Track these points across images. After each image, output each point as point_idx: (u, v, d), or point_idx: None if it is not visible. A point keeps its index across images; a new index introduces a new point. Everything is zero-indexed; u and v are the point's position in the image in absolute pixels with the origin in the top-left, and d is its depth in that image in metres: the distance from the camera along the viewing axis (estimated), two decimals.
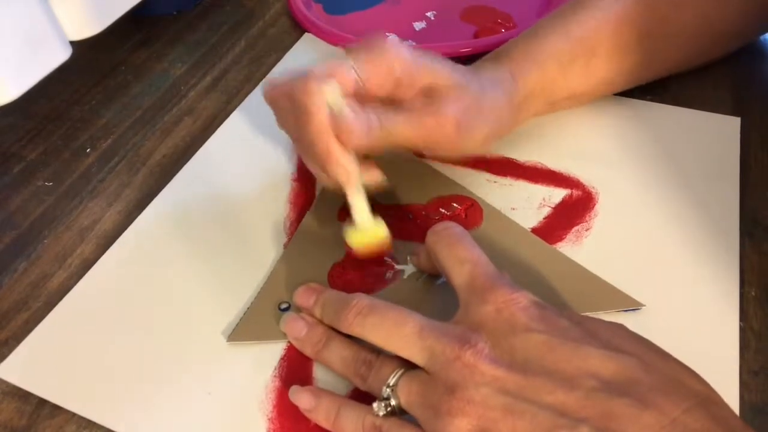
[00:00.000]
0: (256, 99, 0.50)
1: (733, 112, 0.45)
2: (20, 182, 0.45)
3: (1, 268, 0.40)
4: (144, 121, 0.49)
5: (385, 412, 0.29)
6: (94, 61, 0.55)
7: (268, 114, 0.48)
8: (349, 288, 0.36)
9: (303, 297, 0.34)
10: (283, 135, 0.46)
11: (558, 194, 0.41)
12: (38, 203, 0.44)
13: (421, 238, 0.34)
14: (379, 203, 0.39)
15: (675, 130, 0.44)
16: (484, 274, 0.30)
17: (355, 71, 0.35)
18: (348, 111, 0.33)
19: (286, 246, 0.39)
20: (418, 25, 0.55)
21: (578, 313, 0.30)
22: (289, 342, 0.34)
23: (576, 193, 0.40)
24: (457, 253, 0.31)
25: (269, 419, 0.31)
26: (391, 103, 0.36)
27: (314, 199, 0.41)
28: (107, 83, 0.53)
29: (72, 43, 0.39)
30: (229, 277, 0.37)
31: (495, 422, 0.26)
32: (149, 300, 0.37)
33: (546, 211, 0.40)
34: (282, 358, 0.34)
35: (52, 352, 0.35)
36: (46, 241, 0.41)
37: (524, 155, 0.43)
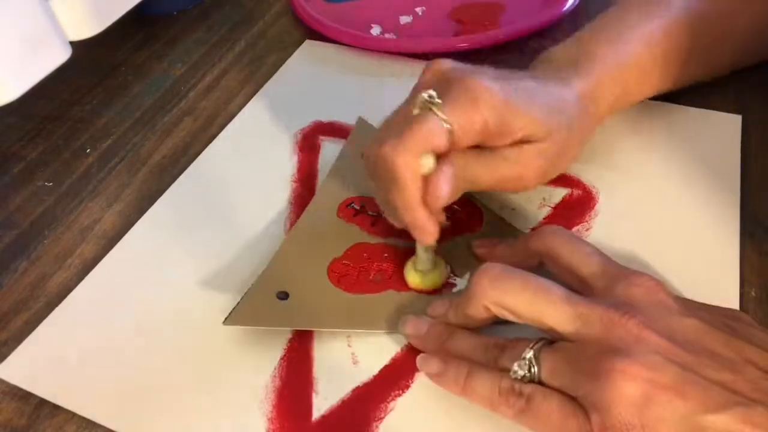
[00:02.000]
0: (258, 101, 0.50)
1: (734, 110, 0.44)
2: (20, 182, 0.45)
3: (1, 268, 0.40)
4: (144, 122, 0.49)
5: (525, 373, 0.28)
6: (94, 61, 0.55)
7: (270, 117, 0.48)
8: (345, 282, 0.36)
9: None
10: (283, 137, 0.46)
11: (558, 194, 0.40)
12: (38, 203, 0.44)
13: None
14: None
15: (675, 129, 0.44)
16: (614, 264, 0.31)
17: (448, 128, 0.31)
18: (442, 182, 0.32)
19: None
20: (404, 19, 0.56)
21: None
22: (289, 342, 0.34)
23: (576, 192, 0.40)
24: (581, 247, 0.32)
25: (269, 419, 0.31)
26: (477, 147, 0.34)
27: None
28: (107, 83, 0.53)
29: (72, 43, 0.39)
30: (229, 277, 0.37)
31: (664, 390, 0.25)
32: (149, 300, 0.37)
33: (546, 211, 0.40)
34: (282, 358, 0.34)
35: (52, 352, 0.35)
36: (46, 241, 0.41)
37: None
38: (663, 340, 0.27)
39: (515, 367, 0.28)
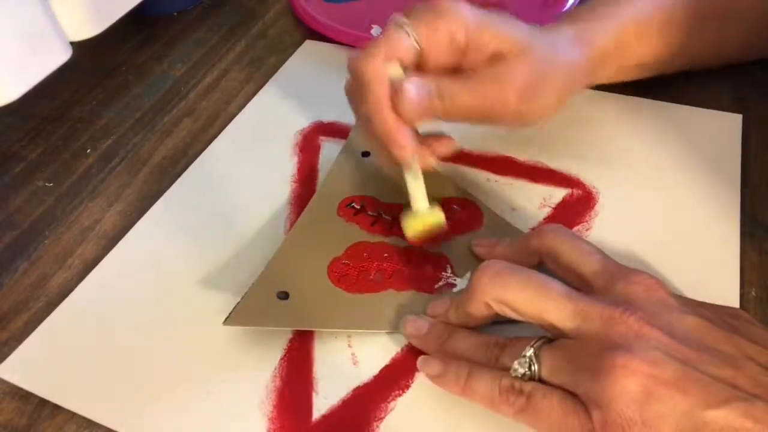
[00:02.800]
0: (258, 102, 0.50)
1: (734, 110, 0.44)
2: (20, 182, 0.45)
3: (2, 269, 0.40)
4: (144, 122, 0.49)
5: (525, 371, 0.28)
6: (94, 61, 0.55)
7: (270, 117, 0.48)
8: (345, 282, 0.36)
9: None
10: (283, 138, 0.46)
11: (558, 194, 0.40)
12: (38, 203, 0.44)
13: None
14: (382, 201, 0.39)
15: (675, 128, 0.44)
16: (614, 263, 0.31)
17: (415, 40, 0.34)
18: (407, 82, 0.33)
19: None
20: None
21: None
22: (289, 342, 0.34)
23: (576, 192, 0.40)
24: (581, 246, 0.32)
25: (269, 419, 0.31)
26: (455, 72, 0.35)
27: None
28: (107, 84, 0.53)
29: (72, 43, 0.39)
30: (229, 277, 0.37)
31: (665, 385, 0.25)
32: (149, 300, 0.37)
33: (546, 211, 0.40)
34: (282, 358, 0.34)
35: (53, 352, 0.35)
36: (46, 241, 0.41)
37: (524, 154, 0.43)
38: (664, 335, 0.27)
39: (515, 365, 0.28)
